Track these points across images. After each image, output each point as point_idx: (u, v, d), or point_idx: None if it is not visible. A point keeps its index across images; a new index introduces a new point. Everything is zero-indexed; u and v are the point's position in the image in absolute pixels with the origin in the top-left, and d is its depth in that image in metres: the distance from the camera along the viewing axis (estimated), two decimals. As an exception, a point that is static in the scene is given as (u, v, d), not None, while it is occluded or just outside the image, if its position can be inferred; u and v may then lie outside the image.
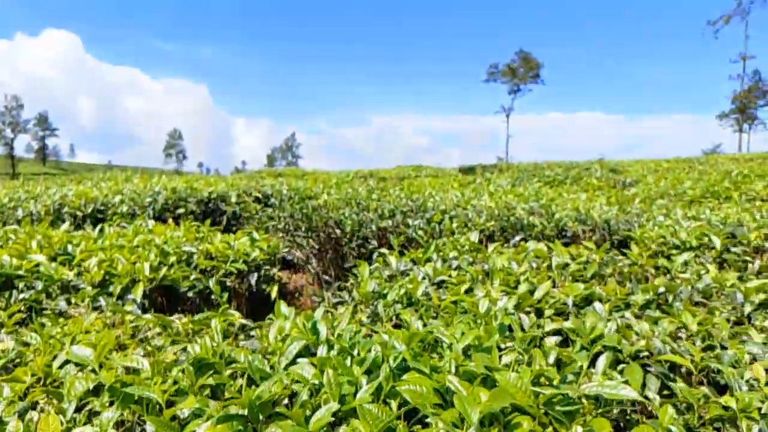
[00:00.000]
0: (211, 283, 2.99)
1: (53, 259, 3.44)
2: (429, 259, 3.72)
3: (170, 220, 5.95)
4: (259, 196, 8.10)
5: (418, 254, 3.76)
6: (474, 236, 4.06)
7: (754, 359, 2.15)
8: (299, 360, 1.98)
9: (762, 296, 2.66)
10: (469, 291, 2.94)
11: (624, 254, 3.79)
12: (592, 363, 2.04)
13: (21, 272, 3.17)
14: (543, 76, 66.42)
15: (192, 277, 3.50)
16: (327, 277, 5.86)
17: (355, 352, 1.95)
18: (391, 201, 5.92)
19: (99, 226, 4.40)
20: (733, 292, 2.75)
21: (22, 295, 2.82)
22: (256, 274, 4.33)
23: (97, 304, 3.01)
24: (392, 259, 3.56)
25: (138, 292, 3.04)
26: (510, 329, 2.26)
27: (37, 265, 3.25)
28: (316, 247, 5.63)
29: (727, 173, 9.99)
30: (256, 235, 4.40)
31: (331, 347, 2.01)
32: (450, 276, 3.23)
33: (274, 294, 4.40)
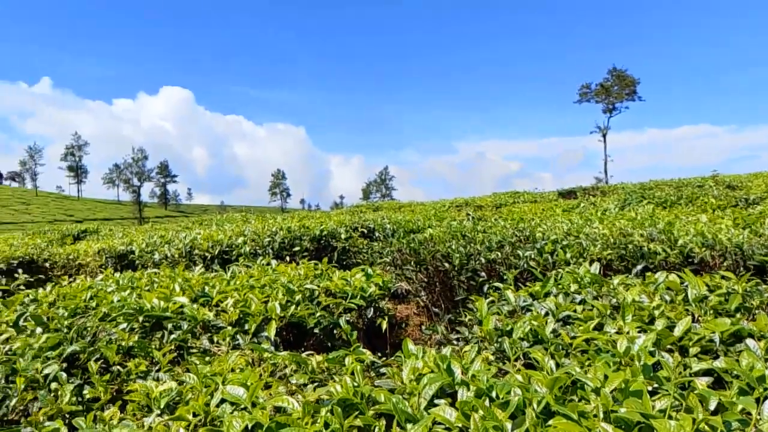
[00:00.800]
0: (342, 321, 3.12)
1: (194, 300, 3.77)
2: (548, 293, 3.62)
3: (287, 258, 6.31)
4: (365, 231, 8.34)
5: (536, 288, 3.68)
6: (594, 267, 3.89)
7: None
8: (437, 401, 2.01)
9: None
10: (598, 328, 2.82)
11: (766, 282, 3.44)
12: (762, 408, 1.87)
13: (168, 314, 3.51)
14: (640, 93, 62.86)
15: (317, 314, 3.67)
16: (436, 310, 5.88)
17: (493, 394, 1.95)
18: (497, 232, 5.84)
19: (230, 270, 4.75)
20: None
21: (172, 336, 3.11)
22: (371, 309, 4.46)
23: (236, 343, 3.25)
24: (510, 294, 3.50)
25: (272, 330, 3.24)
26: (654, 370, 2.14)
27: (182, 306, 3.58)
28: (425, 280, 5.68)
29: None
30: (370, 271, 4.54)
31: (468, 389, 2.02)
32: (575, 311, 3.11)
33: (384, 326, 4.49)
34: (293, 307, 3.61)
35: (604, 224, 6.38)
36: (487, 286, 4.99)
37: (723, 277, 3.40)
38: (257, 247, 6.45)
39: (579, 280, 3.76)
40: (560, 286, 3.69)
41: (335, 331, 4.25)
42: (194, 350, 3.18)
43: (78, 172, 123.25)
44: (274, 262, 5.07)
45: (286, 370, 2.76)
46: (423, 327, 6.37)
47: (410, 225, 8.39)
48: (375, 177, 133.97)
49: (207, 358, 2.95)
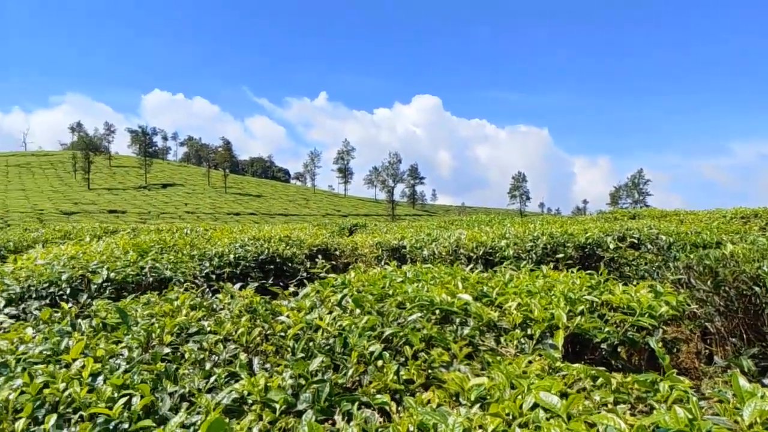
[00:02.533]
0: (653, 342, 2.88)
1: (476, 299, 3.93)
2: None
3: (550, 264, 6.14)
4: (635, 241, 7.61)
5: None
6: None
7: None
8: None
9: None
10: None
11: None
12: None
13: (454, 308, 3.72)
14: None
15: (605, 329, 3.47)
16: (735, 340, 5.01)
17: None
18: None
19: (502, 272, 4.84)
20: None
21: (465, 331, 3.29)
22: (660, 330, 4.02)
23: (523, 346, 3.28)
24: None
25: (559, 339, 3.17)
26: None
27: (466, 303, 3.77)
28: (722, 304, 4.88)
29: None
30: (660, 288, 4.10)
31: None
32: None
33: (662, 350, 3.99)
34: (579, 318, 3.48)
35: None
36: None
37: None
38: (520, 251, 6.43)
39: None
40: None
41: (618, 349, 3.96)
42: (482, 348, 3.31)
43: (345, 173, 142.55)
44: (544, 268, 4.97)
45: (583, 384, 2.66)
46: (700, 356, 5.51)
47: (692, 238, 7.34)
48: (626, 180, 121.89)
49: (498, 358, 3.04)
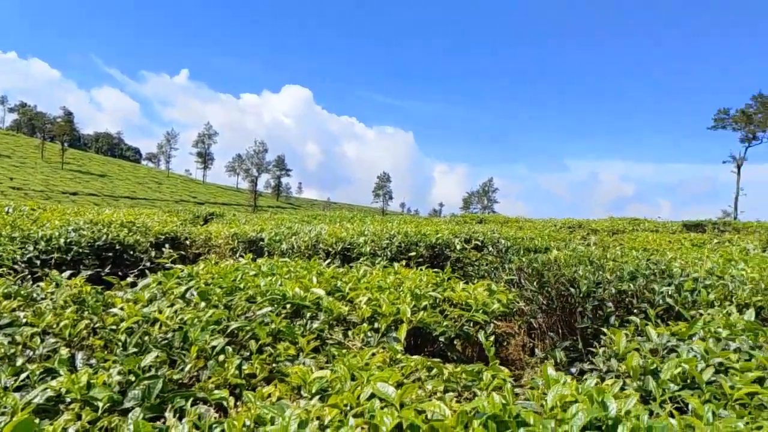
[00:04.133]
0: (482, 336, 3.15)
1: (329, 293, 3.99)
2: (692, 335, 3.38)
3: (403, 262, 6.45)
4: (479, 243, 8.29)
5: (679, 328, 3.45)
6: (749, 314, 3.57)
7: None
8: (586, 433, 1.97)
9: None
10: (759, 381, 2.59)
11: None
12: None
13: (307, 303, 3.74)
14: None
15: (444, 323, 3.73)
16: (552, 334, 5.69)
17: (649, 436, 1.87)
18: (629, 262, 5.54)
19: (356, 267, 4.96)
20: None
21: (314, 325, 3.32)
22: (491, 325, 4.43)
23: (368, 339, 3.40)
24: (652, 331, 3.32)
25: (402, 333, 3.35)
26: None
27: (318, 298, 3.81)
28: (545, 303, 5.53)
29: None
30: (494, 286, 4.52)
31: (615, 425, 1.96)
32: (728, 359, 2.88)
33: (489, 343, 4.44)
34: (421, 312, 3.70)
35: (750, 266, 5.80)
36: (613, 318, 4.76)
37: None
38: (376, 248, 6.66)
39: (730, 325, 3.47)
40: (708, 330, 3.43)
41: (455, 342, 4.29)
42: (330, 341, 3.37)
43: (205, 158, 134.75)
44: (396, 265, 5.21)
45: (419, 374, 2.84)
46: (525, 348, 6.20)
47: (527, 243, 8.20)
48: (478, 188, 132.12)
49: (344, 351, 3.12)
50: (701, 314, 4.08)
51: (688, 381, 2.67)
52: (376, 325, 3.58)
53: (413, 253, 6.77)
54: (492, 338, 4.23)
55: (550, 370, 2.61)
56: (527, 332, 6.25)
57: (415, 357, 2.98)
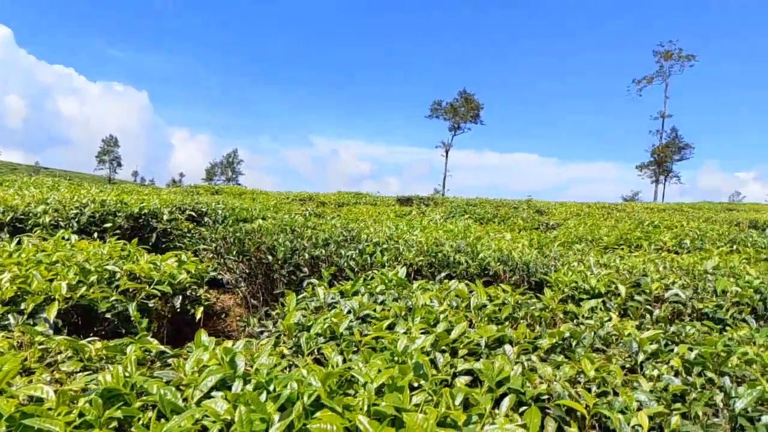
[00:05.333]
0: (131, 307, 2.93)
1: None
2: (356, 292, 3.81)
3: (95, 235, 5.73)
4: (194, 214, 7.93)
5: (346, 286, 3.84)
6: (402, 271, 4.19)
7: (640, 407, 2.36)
8: (214, 394, 2.00)
9: (654, 346, 2.93)
10: (391, 327, 3.04)
11: (538, 297, 4.03)
12: (498, 404, 2.18)
13: None
14: (483, 117, 69.56)
15: (112, 298, 3.40)
16: (255, 302, 5.82)
17: (271, 388, 2.00)
18: (326, 230, 5.98)
19: (17, 238, 4.18)
20: (629, 341, 3.00)
21: None
22: (180, 297, 4.25)
23: (4, 323, 2.87)
24: (320, 291, 3.62)
25: (51, 312, 2.93)
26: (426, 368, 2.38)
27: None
28: (246, 271, 5.59)
29: (640, 222, 10.79)
30: (184, 257, 4.33)
31: (247, 382, 2.04)
32: (375, 311, 3.32)
33: (199, 316, 4.34)
34: (84, 288, 3.30)
35: (424, 232, 6.90)
36: (306, 281, 5.09)
37: (503, 290, 3.90)
38: (60, 219, 5.75)
39: (387, 282, 4.02)
40: (369, 287, 3.90)
41: (132, 318, 3.99)
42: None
43: None
44: (74, 237, 4.57)
45: (59, 357, 2.52)
46: (243, 318, 6.26)
47: (244, 213, 8.18)
48: (222, 159, 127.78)
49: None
50: (369, 274, 4.63)
51: (335, 333, 2.98)
52: (23, 306, 3.06)
53: (109, 225, 6.07)
54: (201, 309, 4.09)
55: (203, 337, 2.59)
56: (246, 303, 6.27)
57: (58, 338, 2.63)
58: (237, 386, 1.95)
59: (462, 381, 2.43)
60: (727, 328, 3.99)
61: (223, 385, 2.08)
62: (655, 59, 60.75)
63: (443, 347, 2.77)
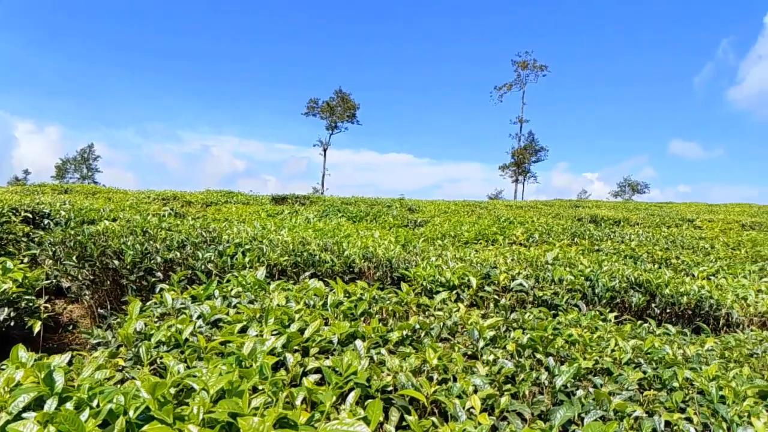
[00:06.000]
0: None
1: None
2: (210, 296, 3.65)
3: None
4: (30, 216, 7.06)
5: (199, 291, 3.67)
6: (261, 273, 4.10)
7: (476, 390, 2.55)
8: (26, 415, 1.80)
9: (492, 333, 3.18)
10: (244, 330, 2.96)
11: (397, 292, 4.19)
12: (345, 399, 2.22)
13: None
14: (359, 117, 70.74)
15: None
16: (103, 311, 5.33)
17: (95, 404, 1.84)
18: (183, 231, 5.66)
19: None
20: (471, 329, 3.23)
21: None
22: (6, 309, 3.77)
23: None
24: (168, 296, 3.41)
25: None
26: (275, 369, 2.35)
27: None
28: (90, 277, 5.09)
29: (497, 219, 11.72)
30: (10, 264, 3.84)
31: (67, 399, 1.86)
32: (227, 314, 3.21)
33: (37, 329, 3.88)
34: None
35: (292, 232, 6.83)
36: (159, 287, 4.77)
37: (361, 287, 3.99)
38: None
39: (244, 284, 3.91)
40: (224, 290, 3.76)
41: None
42: None
43: None
44: None
45: None
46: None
47: (93, 214, 7.46)
48: (76, 154, 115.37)
49: None
50: (236, 275, 4.47)
51: (180, 341, 2.83)
52: None
53: None
54: (39, 323, 3.62)
55: (21, 353, 2.32)
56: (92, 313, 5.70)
57: None
58: (50, 404, 1.77)
59: (311, 380, 2.44)
60: (560, 312, 4.47)
61: (39, 405, 1.88)
62: (513, 68, 66.17)
63: (295, 347, 2.76)
